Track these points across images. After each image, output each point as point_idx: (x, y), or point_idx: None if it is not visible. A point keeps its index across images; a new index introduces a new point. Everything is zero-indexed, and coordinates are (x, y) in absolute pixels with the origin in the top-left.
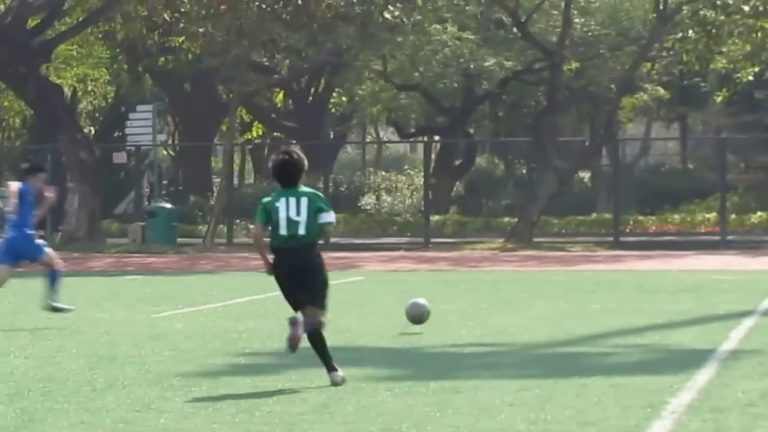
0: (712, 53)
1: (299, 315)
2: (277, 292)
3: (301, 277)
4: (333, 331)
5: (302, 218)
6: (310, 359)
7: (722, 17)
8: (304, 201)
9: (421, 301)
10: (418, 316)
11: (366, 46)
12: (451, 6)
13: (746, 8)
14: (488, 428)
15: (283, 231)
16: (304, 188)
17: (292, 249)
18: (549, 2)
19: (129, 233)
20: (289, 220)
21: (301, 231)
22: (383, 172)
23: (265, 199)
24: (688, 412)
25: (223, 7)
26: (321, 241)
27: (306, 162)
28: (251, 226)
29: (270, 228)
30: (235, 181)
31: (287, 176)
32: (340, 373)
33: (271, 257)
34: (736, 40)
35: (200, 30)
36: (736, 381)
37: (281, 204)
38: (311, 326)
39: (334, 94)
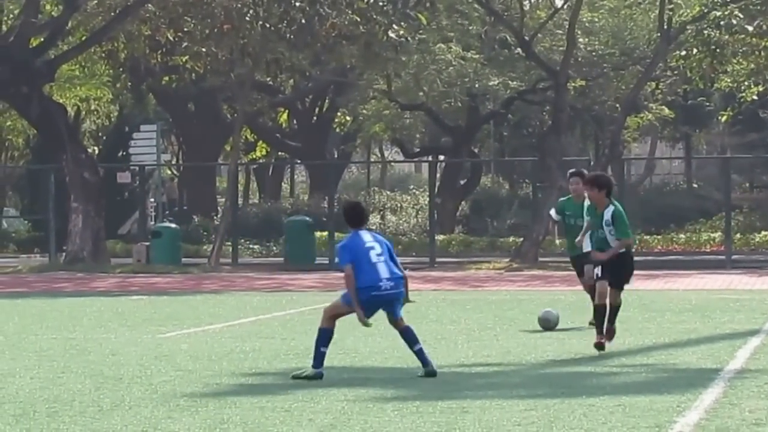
0: (716, 72)
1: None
2: (283, 312)
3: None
4: (339, 352)
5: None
6: (317, 379)
7: (726, 37)
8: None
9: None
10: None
11: (370, 65)
12: (456, 25)
13: (750, 28)
14: None
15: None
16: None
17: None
18: (553, 22)
19: (133, 253)
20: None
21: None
22: (388, 192)
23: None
24: (696, 431)
25: (226, 26)
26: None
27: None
28: (255, 247)
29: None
30: (240, 200)
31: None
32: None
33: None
34: (740, 60)
35: (203, 49)
36: (742, 400)
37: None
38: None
39: (338, 114)
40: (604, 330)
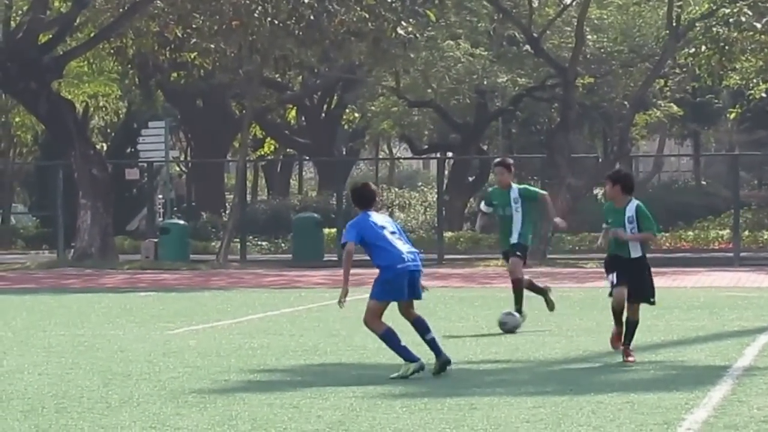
0: (724, 70)
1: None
2: (291, 309)
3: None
4: (348, 348)
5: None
6: (325, 376)
7: (735, 34)
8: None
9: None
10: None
11: (378, 62)
12: (464, 22)
13: (759, 25)
14: None
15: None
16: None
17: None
18: (561, 19)
19: (142, 250)
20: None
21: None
22: (396, 189)
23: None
24: (704, 428)
25: (235, 23)
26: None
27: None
28: (263, 243)
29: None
30: (248, 197)
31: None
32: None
33: None
34: (749, 57)
35: (212, 46)
36: (751, 397)
37: None
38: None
39: (347, 111)
40: (622, 350)
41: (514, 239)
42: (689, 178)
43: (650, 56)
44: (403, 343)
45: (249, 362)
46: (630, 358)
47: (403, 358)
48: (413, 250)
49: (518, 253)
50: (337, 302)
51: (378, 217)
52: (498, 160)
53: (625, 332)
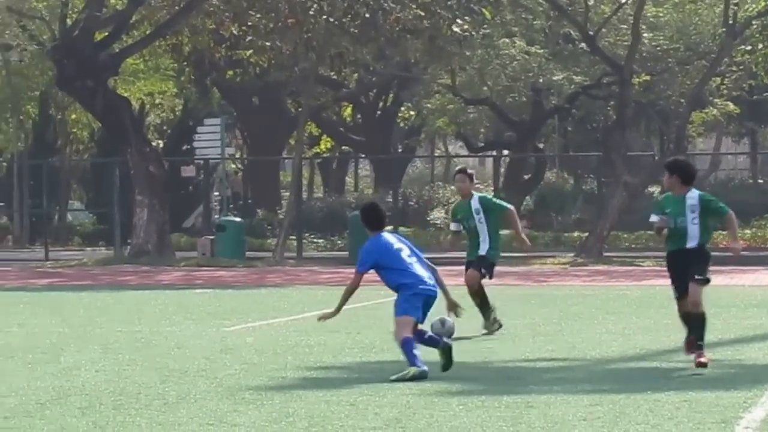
0: None
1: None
2: (347, 306)
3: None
4: None
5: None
6: (381, 373)
7: None
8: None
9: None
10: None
11: (434, 59)
12: (520, 20)
13: None
14: None
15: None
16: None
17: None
18: (617, 17)
19: (198, 247)
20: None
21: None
22: (452, 187)
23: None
24: (762, 427)
25: (290, 20)
26: None
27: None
28: (320, 241)
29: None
30: (304, 194)
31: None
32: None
33: None
34: None
35: (268, 43)
36: None
37: None
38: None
39: (403, 108)
40: (685, 341)
41: (482, 251)
42: (746, 176)
43: (707, 54)
44: (416, 351)
45: (306, 359)
46: (701, 359)
47: (409, 361)
48: (430, 275)
49: (482, 270)
50: (320, 317)
51: (392, 239)
52: (459, 167)
53: (691, 323)
